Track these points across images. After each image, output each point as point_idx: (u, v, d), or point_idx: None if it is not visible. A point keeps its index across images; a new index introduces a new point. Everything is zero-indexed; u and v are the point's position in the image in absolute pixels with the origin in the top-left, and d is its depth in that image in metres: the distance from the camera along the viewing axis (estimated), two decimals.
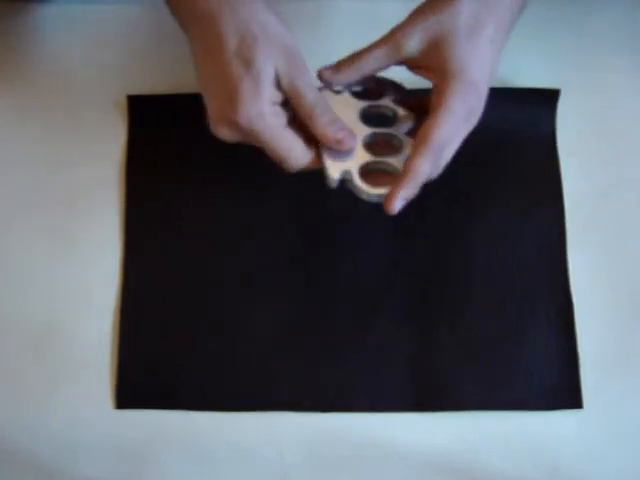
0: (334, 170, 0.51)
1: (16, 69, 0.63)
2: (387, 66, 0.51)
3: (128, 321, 0.57)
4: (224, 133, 0.50)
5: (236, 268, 0.58)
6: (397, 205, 0.50)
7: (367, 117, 0.52)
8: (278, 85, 0.49)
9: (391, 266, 0.58)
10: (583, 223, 0.59)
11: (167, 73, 0.63)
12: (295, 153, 0.50)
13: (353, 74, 0.51)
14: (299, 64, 0.49)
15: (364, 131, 0.52)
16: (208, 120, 0.51)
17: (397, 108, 0.53)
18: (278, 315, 0.57)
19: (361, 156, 0.51)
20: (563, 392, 0.55)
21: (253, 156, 0.60)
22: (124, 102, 0.62)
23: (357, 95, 0.53)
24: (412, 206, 0.59)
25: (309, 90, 0.49)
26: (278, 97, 0.49)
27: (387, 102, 0.53)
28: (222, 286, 0.58)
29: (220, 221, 0.59)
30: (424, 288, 0.58)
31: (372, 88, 0.54)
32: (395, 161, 0.51)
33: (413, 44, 0.50)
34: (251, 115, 0.48)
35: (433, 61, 0.50)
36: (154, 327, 0.57)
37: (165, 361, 0.57)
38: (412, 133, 0.52)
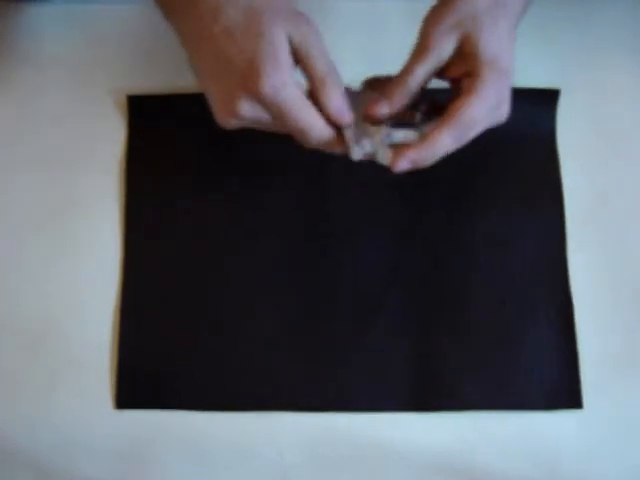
0: (356, 147, 0.50)
1: (16, 69, 0.63)
2: (430, 79, 0.51)
3: (128, 321, 0.57)
4: (240, 111, 0.49)
5: (236, 268, 0.58)
6: (403, 164, 0.49)
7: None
8: (293, 54, 0.48)
9: (391, 266, 0.58)
10: (583, 223, 0.59)
11: (167, 73, 0.63)
12: (318, 124, 0.49)
13: (404, 99, 0.50)
14: (311, 30, 0.49)
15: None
16: (212, 107, 0.50)
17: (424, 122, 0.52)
18: (278, 315, 0.57)
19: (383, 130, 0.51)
20: (563, 392, 0.55)
21: (253, 156, 0.60)
22: (124, 102, 0.62)
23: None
24: (412, 206, 0.59)
25: (322, 58, 0.49)
26: (294, 66, 0.49)
27: (417, 117, 0.52)
28: (222, 286, 0.58)
29: (220, 221, 0.59)
30: (424, 288, 0.58)
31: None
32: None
33: (448, 47, 0.49)
34: (276, 84, 0.47)
35: (465, 55, 0.49)
36: (154, 327, 0.57)
37: (165, 361, 0.57)
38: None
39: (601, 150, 0.61)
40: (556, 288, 0.58)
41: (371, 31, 0.63)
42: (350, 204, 0.59)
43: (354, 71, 0.62)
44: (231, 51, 0.47)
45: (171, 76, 0.63)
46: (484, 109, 0.49)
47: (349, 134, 0.50)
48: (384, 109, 0.50)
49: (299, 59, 0.49)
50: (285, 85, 0.47)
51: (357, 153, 0.50)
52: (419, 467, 0.55)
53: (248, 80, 0.47)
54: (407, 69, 0.50)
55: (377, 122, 0.50)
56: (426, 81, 0.50)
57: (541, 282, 0.58)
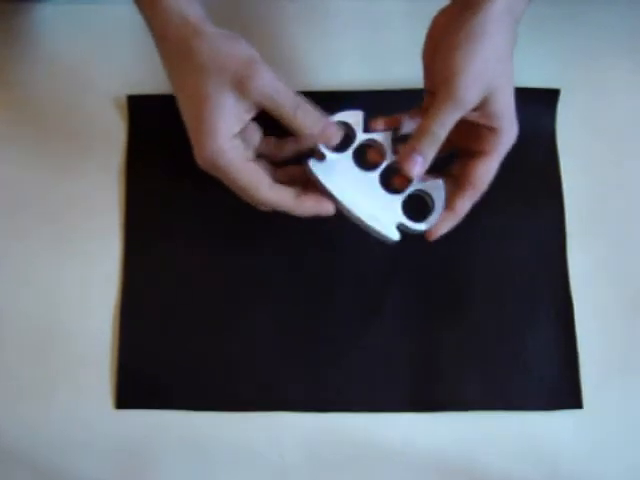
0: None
1: (16, 69, 0.63)
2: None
3: (128, 321, 0.57)
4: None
5: (236, 268, 0.58)
6: (439, 234, 0.52)
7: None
8: (243, 109, 0.48)
9: (391, 266, 0.58)
10: (583, 223, 0.59)
11: None
12: (264, 181, 0.49)
13: (435, 153, 0.49)
14: (264, 80, 0.47)
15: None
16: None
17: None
18: (278, 315, 0.57)
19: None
20: (563, 392, 0.56)
21: None
22: (124, 102, 0.62)
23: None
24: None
25: (283, 94, 0.48)
26: (239, 125, 0.48)
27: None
28: (222, 286, 0.58)
29: (220, 221, 0.59)
30: (424, 288, 0.58)
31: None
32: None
33: (476, 99, 0.48)
34: (213, 152, 0.48)
35: (487, 108, 0.49)
36: (154, 327, 0.57)
37: (165, 361, 0.57)
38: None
39: (601, 150, 0.61)
40: (556, 288, 0.58)
41: (371, 31, 0.63)
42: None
43: (354, 71, 0.62)
44: (184, 109, 0.50)
45: None
46: (498, 166, 0.51)
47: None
48: (418, 166, 0.49)
49: (265, 109, 0.48)
50: (222, 151, 0.48)
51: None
52: (419, 467, 0.55)
53: (195, 147, 0.49)
54: (431, 114, 0.48)
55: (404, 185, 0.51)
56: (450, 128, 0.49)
57: (541, 282, 0.58)
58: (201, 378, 0.56)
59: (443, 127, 0.48)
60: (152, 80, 0.62)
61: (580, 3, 0.63)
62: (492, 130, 0.50)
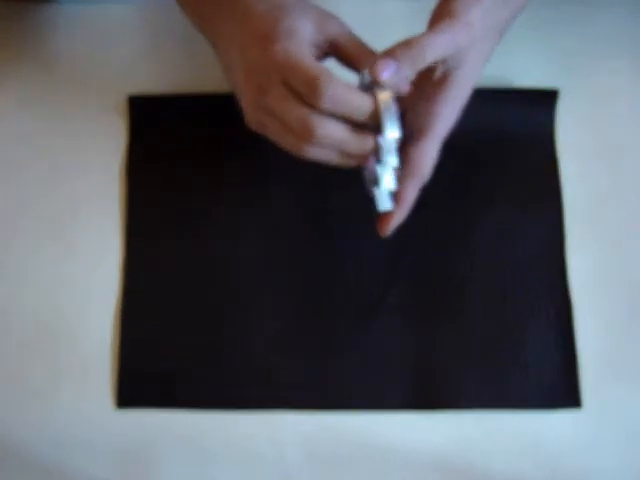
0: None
1: (16, 69, 0.63)
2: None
3: (129, 321, 0.57)
4: (265, 94, 0.48)
5: (236, 268, 0.58)
6: (390, 229, 0.53)
7: None
8: (316, 42, 0.49)
9: (391, 266, 0.58)
10: (582, 223, 0.59)
11: (167, 73, 0.63)
12: (334, 79, 0.46)
13: (413, 65, 0.48)
14: (342, 28, 0.50)
15: None
16: (241, 102, 0.51)
17: None
18: (278, 314, 0.57)
19: None
20: (562, 391, 0.56)
21: (253, 156, 0.60)
22: (125, 102, 0.62)
23: None
24: (412, 206, 0.59)
25: (359, 40, 0.51)
26: (311, 49, 0.49)
27: None
28: (222, 286, 0.58)
29: (220, 221, 0.59)
30: (424, 288, 0.58)
31: None
32: None
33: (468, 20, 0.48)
34: (288, 48, 0.47)
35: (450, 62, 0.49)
36: (155, 327, 0.57)
37: (166, 361, 0.57)
38: None
39: (600, 151, 0.61)
40: (555, 288, 0.58)
41: (371, 31, 0.63)
42: (350, 202, 0.59)
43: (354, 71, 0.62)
44: (254, 18, 0.49)
45: (171, 76, 0.63)
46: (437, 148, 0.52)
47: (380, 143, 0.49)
48: (390, 68, 0.47)
49: (339, 51, 0.50)
50: (300, 46, 0.48)
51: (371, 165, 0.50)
52: (419, 467, 0.55)
53: (263, 50, 0.48)
54: (425, 35, 0.48)
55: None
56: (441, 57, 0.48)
57: (540, 282, 0.58)
58: (202, 377, 0.56)
59: (430, 46, 0.47)
60: (152, 80, 0.63)
61: (579, 5, 0.64)
62: (432, 102, 0.50)
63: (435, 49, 0.47)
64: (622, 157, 0.60)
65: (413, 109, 0.52)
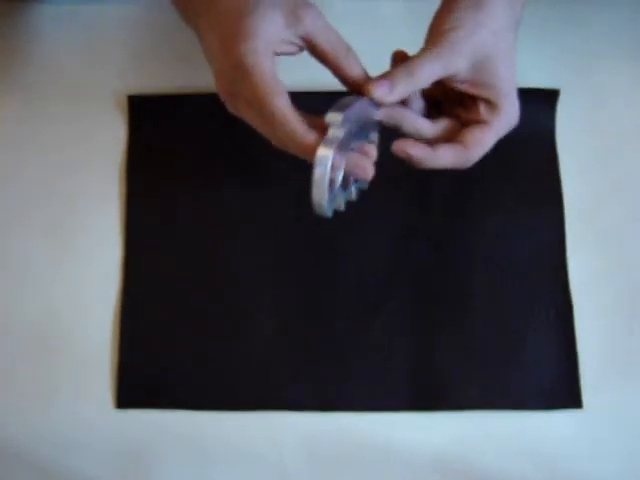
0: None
1: (16, 69, 0.63)
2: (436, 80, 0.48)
3: (129, 321, 0.57)
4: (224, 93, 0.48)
5: (236, 267, 0.58)
6: (403, 150, 0.48)
7: None
8: (288, 38, 0.47)
9: (392, 266, 0.58)
10: (583, 223, 0.59)
11: (167, 73, 0.63)
12: (281, 97, 0.46)
13: (406, 91, 0.48)
14: (317, 12, 0.47)
15: None
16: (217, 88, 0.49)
17: None
18: (278, 315, 0.57)
19: None
20: (562, 392, 0.56)
21: (253, 156, 0.60)
22: (124, 102, 0.62)
23: None
24: (413, 206, 0.59)
25: (336, 34, 0.48)
26: (279, 47, 0.47)
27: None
28: (222, 286, 0.58)
29: (220, 221, 0.59)
30: (424, 288, 0.58)
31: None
32: None
33: (463, 62, 0.48)
34: (247, 49, 0.45)
35: (481, 83, 0.49)
36: (154, 327, 0.57)
37: (165, 361, 0.57)
38: None
39: (600, 150, 0.61)
40: (556, 288, 0.58)
41: (371, 31, 0.63)
42: (351, 203, 0.59)
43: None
44: (218, 21, 0.47)
45: (171, 76, 0.63)
46: (498, 137, 0.50)
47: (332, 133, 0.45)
48: (383, 91, 0.47)
49: (313, 46, 0.48)
50: (257, 52, 0.45)
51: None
52: (419, 467, 0.55)
53: (221, 52, 0.46)
54: (416, 60, 0.48)
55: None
56: (432, 81, 0.48)
57: (541, 282, 0.58)
58: (201, 377, 0.56)
59: (422, 69, 0.47)
60: (152, 80, 0.63)
61: (580, 4, 0.64)
62: (490, 104, 0.49)
63: (429, 72, 0.47)
64: (622, 157, 0.60)
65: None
